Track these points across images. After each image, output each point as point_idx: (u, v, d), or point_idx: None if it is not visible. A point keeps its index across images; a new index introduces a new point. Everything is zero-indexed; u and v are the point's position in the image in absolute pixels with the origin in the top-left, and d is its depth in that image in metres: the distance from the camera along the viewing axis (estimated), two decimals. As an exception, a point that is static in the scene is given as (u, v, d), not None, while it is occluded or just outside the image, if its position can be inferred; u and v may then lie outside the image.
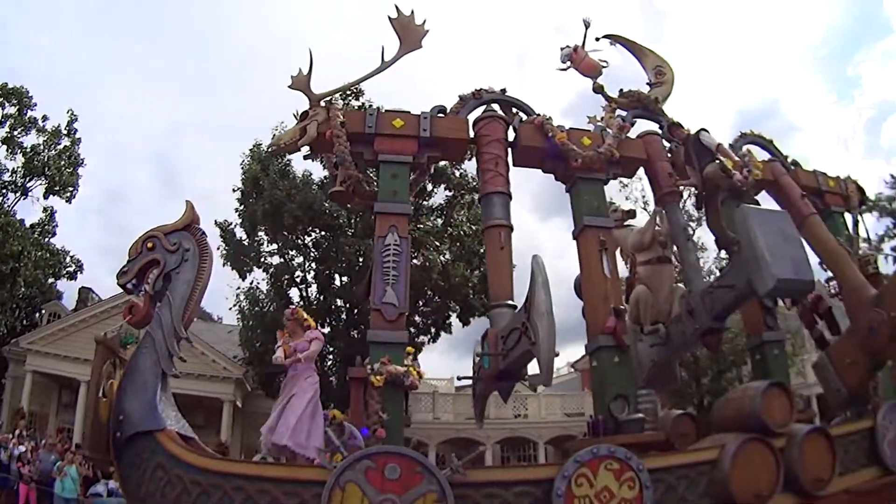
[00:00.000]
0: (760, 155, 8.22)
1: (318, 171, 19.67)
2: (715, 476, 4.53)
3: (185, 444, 4.50)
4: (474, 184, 19.74)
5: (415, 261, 18.44)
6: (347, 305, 19.63)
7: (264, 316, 19.44)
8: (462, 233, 19.10)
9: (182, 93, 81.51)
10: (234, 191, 20.14)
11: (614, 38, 7.78)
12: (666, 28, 79.54)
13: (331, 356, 19.25)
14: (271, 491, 4.06)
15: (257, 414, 21.08)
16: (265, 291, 20.43)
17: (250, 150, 20.29)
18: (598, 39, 7.46)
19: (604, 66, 7.20)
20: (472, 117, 6.80)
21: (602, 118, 6.97)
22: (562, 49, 7.21)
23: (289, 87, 6.34)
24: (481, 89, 6.89)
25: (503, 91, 7.01)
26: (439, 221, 19.45)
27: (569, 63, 7.18)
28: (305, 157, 18.72)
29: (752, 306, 6.90)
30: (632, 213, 7.68)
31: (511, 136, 6.76)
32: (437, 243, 18.42)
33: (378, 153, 6.20)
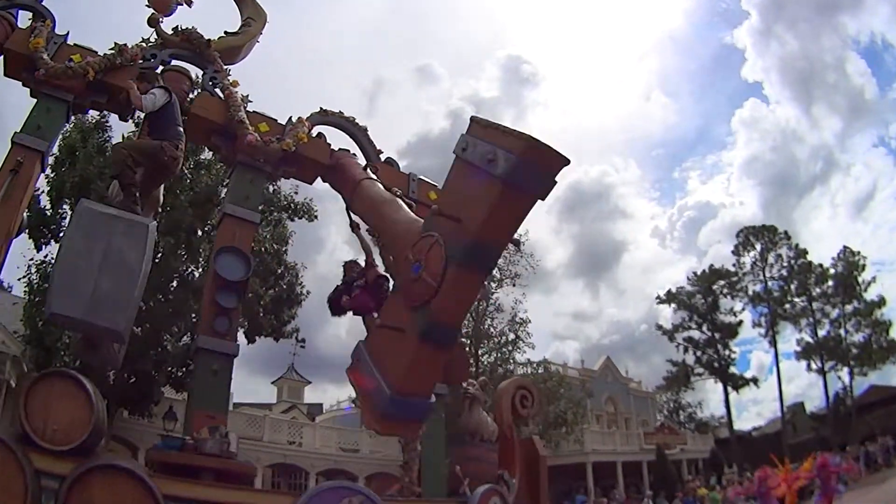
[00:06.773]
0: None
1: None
2: None
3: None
4: (285, 202, 19.50)
5: (211, 269, 17.90)
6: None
7: (53, 294, 18.14)
8: (263, 249, 18.65)
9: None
10: (49, 155, 18.63)
11: None
12: (527, 94, 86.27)
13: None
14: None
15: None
16: (57, 269, 19.09)
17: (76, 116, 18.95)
18: None
19: (179, 5, 6.41)
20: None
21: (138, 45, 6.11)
22: None
23: None
24: None
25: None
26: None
27: None
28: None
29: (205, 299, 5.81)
30: None
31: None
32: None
33: None
